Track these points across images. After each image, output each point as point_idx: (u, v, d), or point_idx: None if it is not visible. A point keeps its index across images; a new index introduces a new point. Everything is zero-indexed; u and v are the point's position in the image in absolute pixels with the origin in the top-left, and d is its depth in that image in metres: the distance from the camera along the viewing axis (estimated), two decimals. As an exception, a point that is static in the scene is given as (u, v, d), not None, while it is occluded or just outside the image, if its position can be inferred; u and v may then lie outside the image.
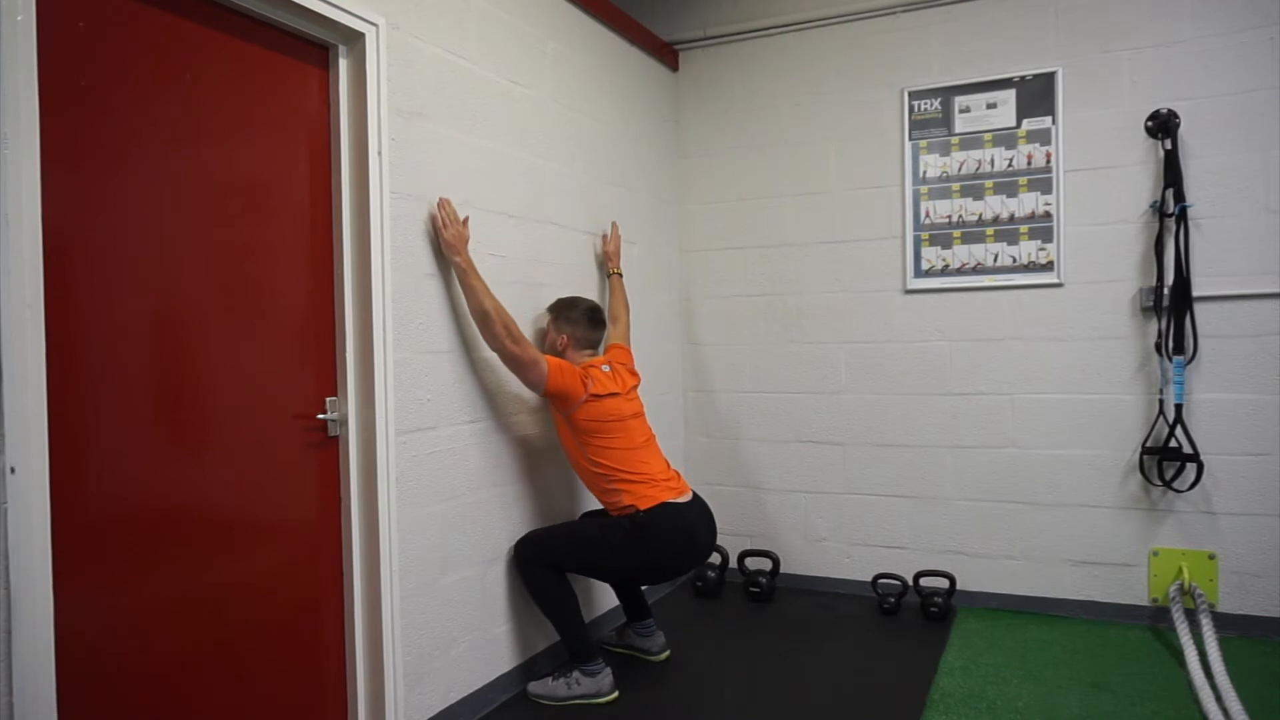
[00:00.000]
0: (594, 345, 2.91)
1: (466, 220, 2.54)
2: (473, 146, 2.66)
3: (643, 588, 3.11)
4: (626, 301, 3.31)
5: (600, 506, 2.87)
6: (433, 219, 2.48)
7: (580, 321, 2.85)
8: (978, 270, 3.47)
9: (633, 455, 2.72)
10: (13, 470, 1.51)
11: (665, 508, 2.66)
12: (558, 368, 2.63)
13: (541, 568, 2.69)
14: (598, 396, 2.68)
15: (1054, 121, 3.34)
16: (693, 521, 2.74)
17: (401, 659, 2.33)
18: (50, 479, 1.58)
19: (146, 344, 1.83)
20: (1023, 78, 3.39)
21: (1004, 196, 3.43)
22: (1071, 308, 3.33)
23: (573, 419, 2.69)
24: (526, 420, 2.90)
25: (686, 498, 2.76)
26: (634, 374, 2.97)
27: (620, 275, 3.33)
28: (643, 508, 2.64)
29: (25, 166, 1.54)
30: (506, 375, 2.79)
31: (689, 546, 2.72)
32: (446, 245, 2.48)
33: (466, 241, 2.50)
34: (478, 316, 2.53)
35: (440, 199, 2.49)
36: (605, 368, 2.81)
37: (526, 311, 2.90)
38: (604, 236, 3.38)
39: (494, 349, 2.57)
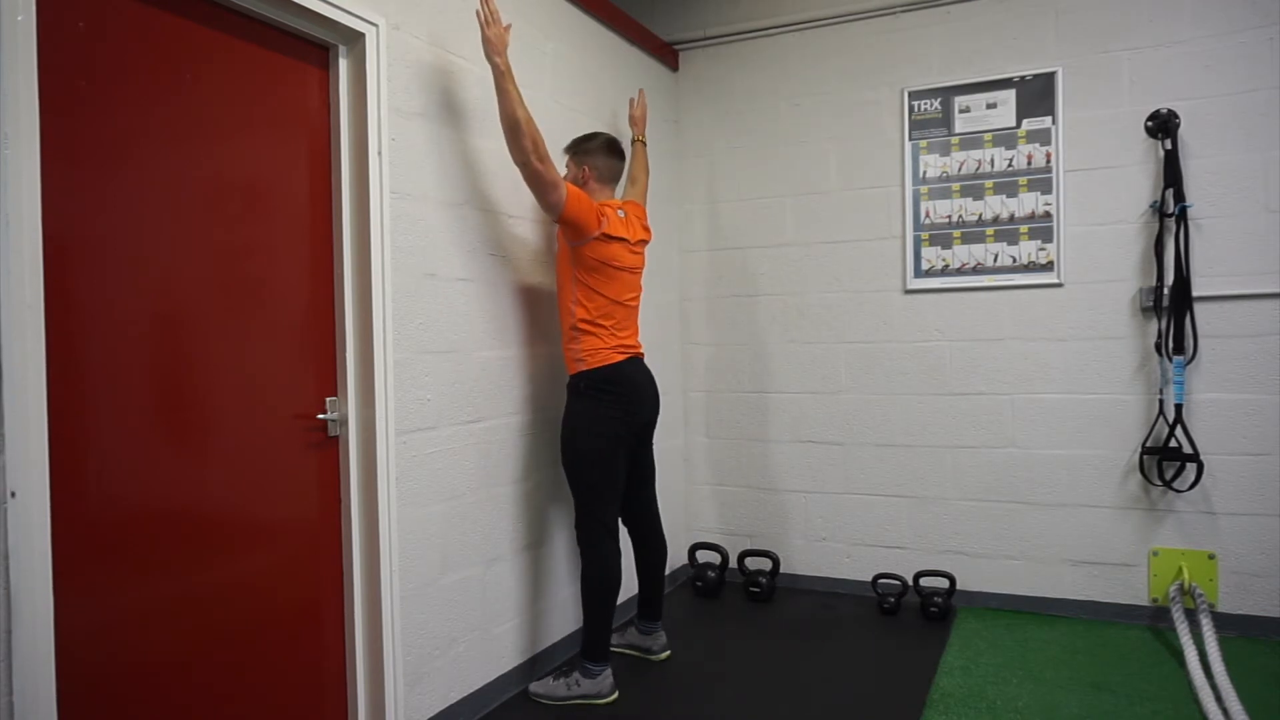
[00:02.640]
0: (615, 177, 2.91)
1: (509, 28, 2.52)
2: (473, 146, 2.66)
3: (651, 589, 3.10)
4: (647, 167, 3.32)
5: None
6: (476, 15, 2.46)
7: (599, 151, 2.84)
8: (978, 270, 3.47)
9: (611, 309, 2.74)
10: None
11: (610, 365, 2.72)
12: (576, 196, 2.61)
13: (599, 544, 2.69)
14: (608, 237, 2.68)
15: (1054, 121, 3.34)
16: (630, 372, 2.78)
17: (401, 659, 2.33)
18: (50, 479, 1.58)
19: (147, 344, 1.83)
20: (1023, 78, 3.39)
21: (1004, 196, 3.43)
22: (1071, 308, 3.33)
23: (579, 252, 2.68)
24: (527, 420, 2.90)
25: (624, 358, 2.78)
26: (647, 229, 2.96)
27: (644, 144, 3.33)
28: (590, 364, 2.70)
29: (25, 166, 1.54)
30: (506, 375, 2.79)
31: (631, 388, 2.77)
32: (487, 44, 2.45)
33: (507, 45, 2.48)
34: (508, 124, 2.48)
35: None
36: (621, 213, 2.80)
37: (530, 313, 2.90)
38: (631, 101, 3.40)
39: (518, 162, 2.53)
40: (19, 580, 1.52)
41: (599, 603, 2.70)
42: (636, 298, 2.87)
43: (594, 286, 2.70)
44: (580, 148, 2.85)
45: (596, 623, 2.70)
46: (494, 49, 2.44)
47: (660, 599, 3.07)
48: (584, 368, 2.71)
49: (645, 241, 2.93)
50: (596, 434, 2.71)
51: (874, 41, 3.62)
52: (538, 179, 2.52)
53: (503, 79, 2.45)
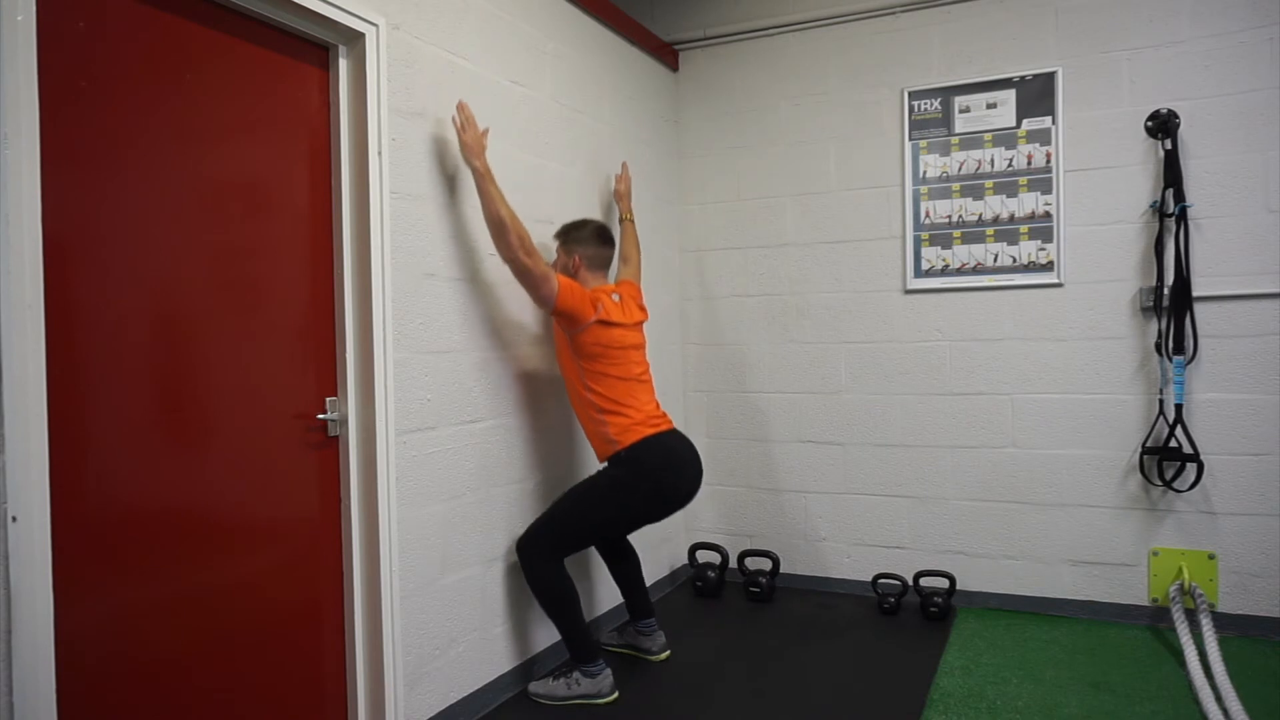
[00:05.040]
0: (605, 264, 2.89)
1: (487, 131, 2.54)
2: (473, 146, 2.66)
3: (647, 585, 3.10)
4: (638, 244, 3.30)
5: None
6: (451, 121, 2.49)
7: (590, 240, 2.83)
8: (978, 270, 3.47)
9: (625, 387, 2.72)
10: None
11: (647, 441, 2.69)
12: (568, 286, 2.62)
13: (545, 560, 2.68)
14: (604, 323, 2.68)
15: (1054, 121, 3.34)
16: (674, 446, 2.75)
17: (401, 659, 2.33)
18: (50, 479, 1.58)
19: (146, 344, 1.83)
20: (1023, 78, 3.39)
21: (1004, 196, 3.43)
22: (1071, 308, 3.33)
23: (577, 341, 2.68)
24: (527, 420, 2.90)
25: (667, 429, 2.78)
26: (643, 309, 2.96)
27: (632, 221, 3.32)
28: (624, 443, 2.66)
29: (25, 166, 1.54)
30: (506, 375, 2.79)
31: (673, 472, 2.73)
32: (465, 148, 2.47)
33: (484, 148, 2.50)
34: (492, 225, 2.50)
35: (459, 101, 2.49)
36: (615, 296, 2.80)
37: (530, 313, 2.90)
38: (616, 177, 3.38)
39: (506, 259, 2.54)
40: (19, 580, 1.52)
41: (561, 609, 2.68)
42: (646, 371, 2.86)
43: (601, 370, 2.69)
44: (570, 236, 2.85)
45: (569, 628, 2.69)
46: (471, 153, 2.46)
47: (646, 597, 3.07)
48: (618, 448, 2.67)
49: (643, 321, 2.92)
50: (620, 504, 2.70)
51: (874, 41, 3.62)
52: (527, 274, 2.53)
53: (483, 181, 2.47)
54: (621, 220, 3.33)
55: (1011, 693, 2.69)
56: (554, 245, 2.91)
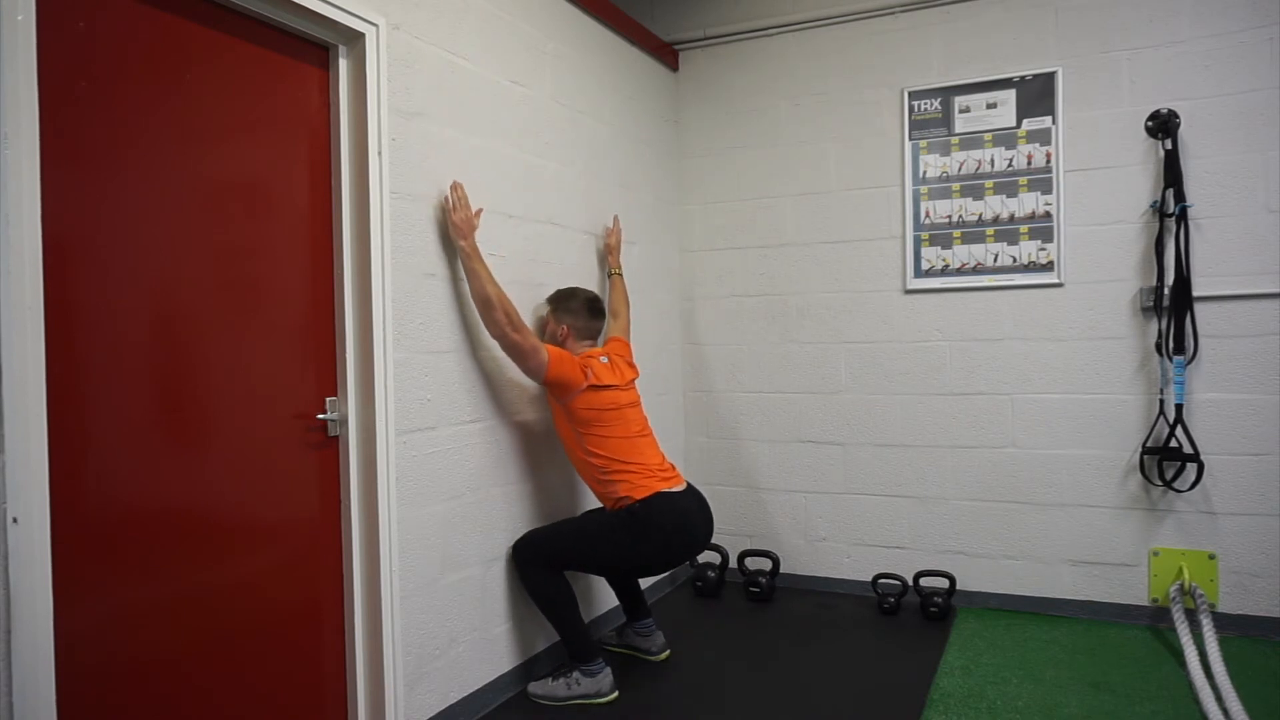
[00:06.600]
0: (594, 335, 2.91)
1: (480, 212, 2.55)
2: (473, 146, 2.66)
3: (642, 587, 3.11)
4: (627, 298, 3.32)
5: (599, 505, 2.87)
6: (443, 200, 2.50)
7: (580, 312, 2.85)
8: (978, 270, 3.47)
9: (628, 445, 2.72)
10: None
11: (660, 497, 2.67)
12: (558, 357, 2.64)
13: (540, 568, 2.69)
14: (596, 387, 2.69)
15: (1054, 121, 3.34)
16: (689, 509, 2.73)
17: (401, 659, 2.33)
18: (50, 479, 1.58)
19: (146, 344, 1.83)
20: (1023, 78, 3.39)
21: (1004, 196, 3.43)
22: (1071, 308, 3.33)
23: (570, 408, 2.69)
24: (527, 420, 2.90)
25: (681, 487, 2.76)
26: (632, 366, 2.98)
27: (620, 275, 3.34)
28: (637, 498, 2.65)
29: (25, 166, 1.54)
30: (506, 375, 2.79)
31: (686, 535, 2.72)
32: (454, 228, 2.48)
33: (475, 228, 2.51)
34: (480, 302, 2.53)
35: (453, 182, 2.50)
36: (604, 359, 2.82)
37: (530, 312, 2.89)
38: (606, 230, 3.39)
39: (494, 336, 2.58)
40: (19, 580, 1.52)
41: (559, 611, 2.68)
42: (646, 427, 2.85)
43: (600, 434, 2.69)
44: (561, 305, 2.86)
45: (567, 629, 2.69)
46: (460, 233, 2.48)
47: (642, 599, 3.08)
48: (632, 501, 2.66)
49: (634, 379, 2.93)
50: (627, 548, 2.68)
51: (874, 41, 3.62)
52: (516, 348, 2.56)
53: (470, 260, 2.49)
54: (610, 275, 3.34)
55: (1011, 693, 2.69)
56: (545, 310, 2.91)
